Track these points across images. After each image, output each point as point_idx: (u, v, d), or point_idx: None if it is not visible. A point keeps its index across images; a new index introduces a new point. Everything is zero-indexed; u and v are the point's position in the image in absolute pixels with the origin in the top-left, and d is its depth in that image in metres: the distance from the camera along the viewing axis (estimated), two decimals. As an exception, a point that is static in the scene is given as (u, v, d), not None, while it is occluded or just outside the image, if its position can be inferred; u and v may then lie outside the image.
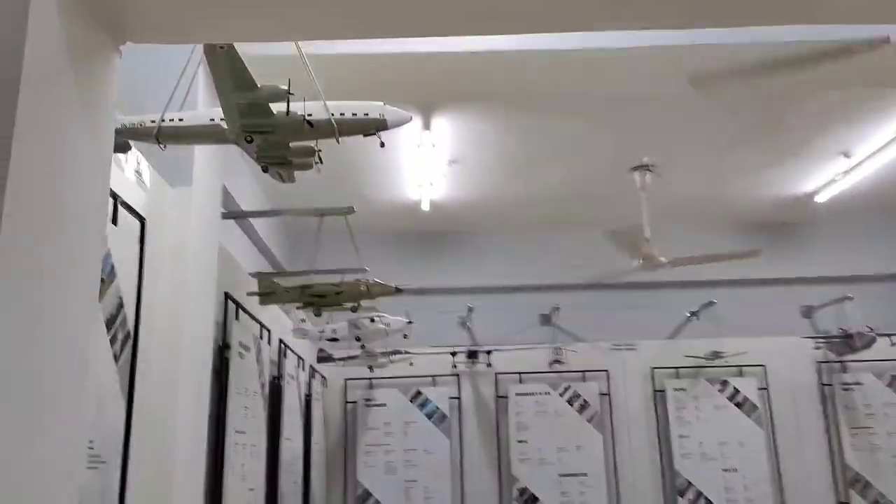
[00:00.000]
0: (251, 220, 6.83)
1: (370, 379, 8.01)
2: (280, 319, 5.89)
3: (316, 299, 4.49)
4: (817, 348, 8.07)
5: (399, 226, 8.45)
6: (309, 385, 6.94)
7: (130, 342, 2.77)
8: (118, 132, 2.49)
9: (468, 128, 6.38)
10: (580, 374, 8.19)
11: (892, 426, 7.88)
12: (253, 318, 4.88)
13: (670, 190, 7.46)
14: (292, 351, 6.13)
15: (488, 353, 7.66)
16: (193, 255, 3.40)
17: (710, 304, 8.28)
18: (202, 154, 3.55)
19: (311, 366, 7.09)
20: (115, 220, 2.66)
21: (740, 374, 8.13)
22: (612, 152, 6.77)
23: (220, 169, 3.99)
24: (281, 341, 5.69)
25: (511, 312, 8.73)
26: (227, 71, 2.32)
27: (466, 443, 8.00)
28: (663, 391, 8.11)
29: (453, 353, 7.63)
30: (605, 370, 8.22)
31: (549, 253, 8.56)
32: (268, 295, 4.51)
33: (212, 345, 3.66)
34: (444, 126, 6.24)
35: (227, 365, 4.07)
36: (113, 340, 2.61)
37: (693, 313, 8.47)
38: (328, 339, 5.95)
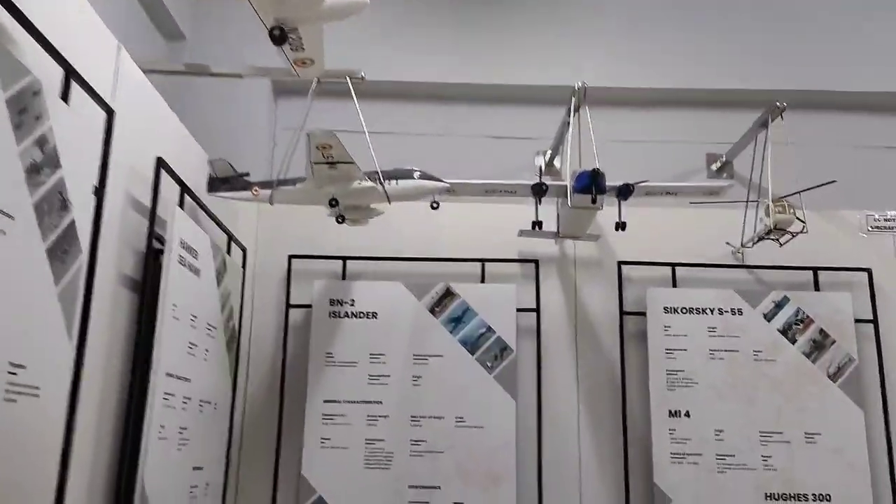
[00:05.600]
0: None
1: (343, 259, 3.66)
2: None
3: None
4: None
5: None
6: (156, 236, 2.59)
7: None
8: None
9: None
10: (807, 272, 3.72)
11: None
12: None
13: None
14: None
15: (622, 194, 3.11)
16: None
17: None
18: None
19: (190, 196, 2.73)
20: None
21: None
22: None
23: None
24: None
25: (654, 148, 4.27)
26: None
27: (552, 409, 3.58)
28: None
29: (542, 188, 3.11)
30: (867, 269, 3.72)
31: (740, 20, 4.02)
32: None
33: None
34: None
35: None
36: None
37: None
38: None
